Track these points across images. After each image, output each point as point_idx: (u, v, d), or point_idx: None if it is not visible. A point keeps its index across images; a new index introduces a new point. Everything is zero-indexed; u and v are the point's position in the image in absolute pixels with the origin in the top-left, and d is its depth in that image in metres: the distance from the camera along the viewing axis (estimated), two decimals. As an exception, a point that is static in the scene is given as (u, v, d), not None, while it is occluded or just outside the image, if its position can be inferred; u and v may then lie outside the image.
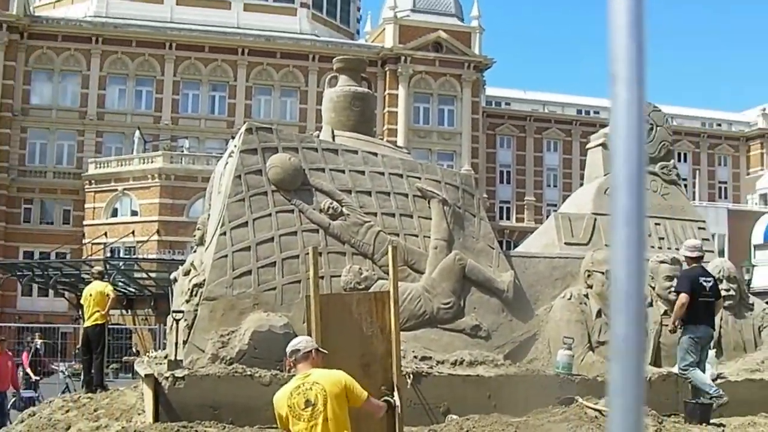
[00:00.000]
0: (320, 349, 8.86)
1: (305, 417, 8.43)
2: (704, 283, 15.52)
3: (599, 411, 14.66)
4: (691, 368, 15.22)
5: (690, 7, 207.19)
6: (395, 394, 10.22)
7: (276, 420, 9.01)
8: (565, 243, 18.68)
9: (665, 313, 17.17)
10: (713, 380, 16.26)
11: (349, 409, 8.58)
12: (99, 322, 20.23)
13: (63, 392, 23.85)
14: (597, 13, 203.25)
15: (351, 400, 8.57)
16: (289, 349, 8.83)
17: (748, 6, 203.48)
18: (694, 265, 15.79)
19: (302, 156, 16.74)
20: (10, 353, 25.52)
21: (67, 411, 16.81)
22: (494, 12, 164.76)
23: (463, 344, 16.44)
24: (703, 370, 15.50)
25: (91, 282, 21.65)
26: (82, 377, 23.30)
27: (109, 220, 71.15)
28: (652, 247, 18.96)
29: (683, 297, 15.15)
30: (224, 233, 15.95)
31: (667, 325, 16.97)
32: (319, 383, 8.47)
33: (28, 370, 30.34)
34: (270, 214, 16.19)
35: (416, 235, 16.98)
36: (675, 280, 17.05)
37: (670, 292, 17.01)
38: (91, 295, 20.37)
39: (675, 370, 15.82)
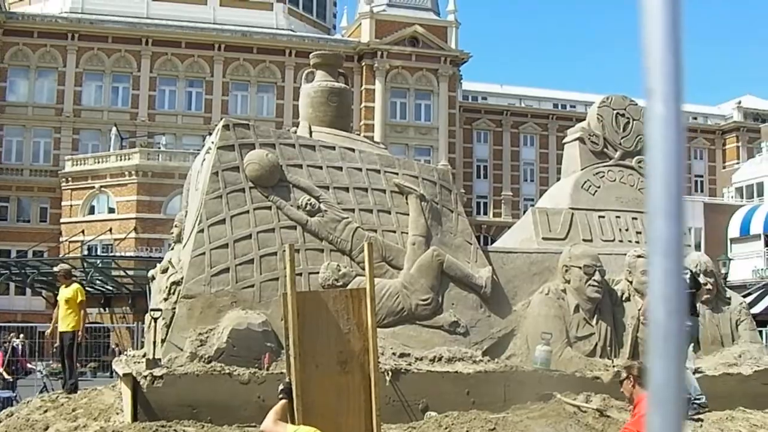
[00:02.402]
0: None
1: None
2: (684, 278, 15.69)
3: (578, 407, 14.71)
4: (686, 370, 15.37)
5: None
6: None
7: None
8: (543, 238, 18.69)
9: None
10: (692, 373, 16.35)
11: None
12: (73, 329, 19.97)
13: (41, 392, 23.72)
14: (574, 6, 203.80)
15: None
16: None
17: (722, 2, 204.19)
18: None
19: (279, 152, 16.69)
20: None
21: (45, 411, 16.75)
22: (470, 6, 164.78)
23: (441, 340, 16.44)
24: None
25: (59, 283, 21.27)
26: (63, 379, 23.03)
27: (86, 217, 70.81)
28: (630, 241, 19.02)
29: None
30: (202, 230, 15.89)
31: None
32: None
33: (1, 370, 30.10)
34: (247, 211, 16.15)
35: (394, 231, 16.97)
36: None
37: (647, 287, 17.05)
38: (66, 300, 20.10)
39: None
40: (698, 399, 15.37)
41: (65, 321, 19.95)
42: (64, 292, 20.25)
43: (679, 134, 2.46)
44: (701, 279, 17.95)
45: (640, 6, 2.54)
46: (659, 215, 2.45)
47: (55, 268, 22.92)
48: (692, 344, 17.29)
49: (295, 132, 18.59)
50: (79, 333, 19.99)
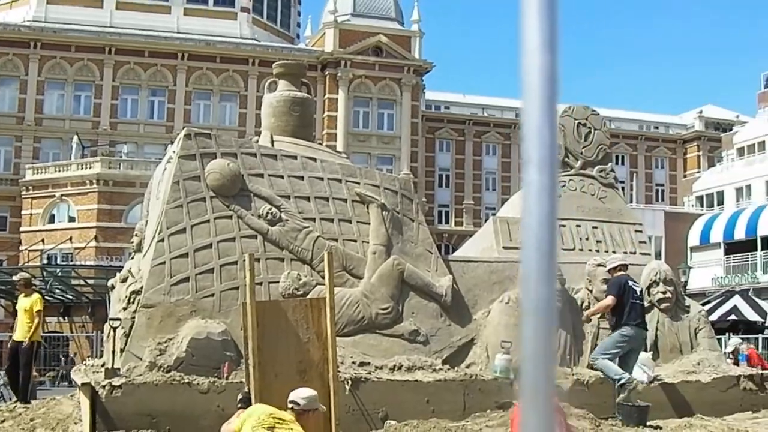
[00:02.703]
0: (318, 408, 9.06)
1: None
2: (633, 287, 16.07)
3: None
4: (604, 357, 15.87)
5: (628, 13, 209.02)
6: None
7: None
8: (504, 247, 18.72)
9: (602, 316, 17.33)
10: (650, 383, 16.47)
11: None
12: (31, 338, 19.64)
13: (-2, 401, 23.59)
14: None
15: None
16: (291, 399, 8.98)
17: (685, 14, 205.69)
18: (620, 273, 16.35)
19: (241, 161, 16.67)
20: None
21: (2, 421, 16.63)
22: (434, 16, 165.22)
23: (401, 349, 16.46)
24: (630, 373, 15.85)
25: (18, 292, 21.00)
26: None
27: (46, 226, 70.43)
28: (590, 250, 19.10)
29: (610, 299, 16.07)
30: (162, 240, 15.84)
31: (604, 328, 17.20)
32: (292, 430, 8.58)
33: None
34: (208, 221, 16.11)
35: (355, 240, 16.98)
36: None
37: (607, 295, 17.22)
38: (26, 309, 19.87)
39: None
40: (625, 380, 15.57)
41: (21, 330, 19.72)
42: (23, 302, 20.06)
43: (552, 201, 2.49)
44: (660, 287, 18.12)
45: (520, 83, 2.66)
46: (533, 276, 2.47)
47: (15, 277, 22.76)
48: (650, 352, 17.48)
49: (257, 141, 18.59)
50: (28, 341, 19.77)
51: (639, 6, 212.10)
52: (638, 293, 16.24)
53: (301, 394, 9.01)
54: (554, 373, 2.58)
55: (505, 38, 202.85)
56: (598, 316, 17.22)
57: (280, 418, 8.70)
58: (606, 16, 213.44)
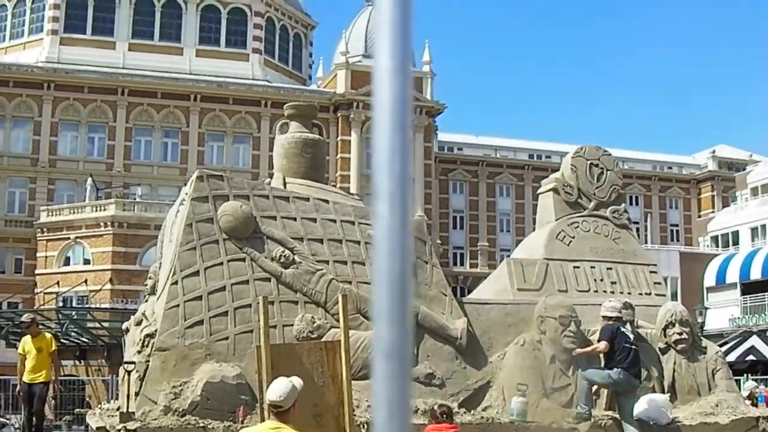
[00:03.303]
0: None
1: None
2: (626, 332, 16.21)
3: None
4: (586, 381, 16.53)
5: (640, 51, 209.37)
6: None
7: None
8: (518, 289, 18.63)
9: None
10: (667, 424, 16.36)
11: None
12: (46, 379, 19.44)
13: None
14: (549, 57, 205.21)
15: None
16: (269, 399, 8.70)
17: (694, 52, 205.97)
18: (613, 322, 16.54)
19: (253, 203, 16.66)
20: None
21: (18, 464, 16.60)
22: (446, 57, 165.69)
23: (417, 393, 16.33)
24: (630, 418, 16.32)
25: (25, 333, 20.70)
26: None
27: (61, 268, 70.54)
28: (605, 291, 19.00)
29: (602, 344, 16.35)
30: (176, 282, 15.81)
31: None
32: None
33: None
34: (221, 263, 16.08)
35: (369, 283, 16.91)
36: (628, 324, 17.25)
37: (599, 340, 17.23)
38: (40, 350, 19.66)
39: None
40: (580, 408, 16.10)
41: (37, 371, 19.51)
42: (36, 342, 19.83)
43: (405, 235, 2.36)
44: (676, 329, 18.02)
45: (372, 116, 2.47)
46: (383, 318, 2.35)
47: (23, 318, 22.63)
48: (668, 394, 17.38)
49: (269, 183, 18.57)
50: (52, 384, 19.73)
51: (650, 50, 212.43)
52: (630, 339, 16.35)
53: (278, 391, 8.68)
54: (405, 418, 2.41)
55: (517, 79, 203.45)
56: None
57: None
58: (618, 55, 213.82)
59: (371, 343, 15.41)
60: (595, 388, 16.77)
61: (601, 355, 16.55)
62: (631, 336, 16.48)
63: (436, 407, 12.66)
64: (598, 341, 16.52)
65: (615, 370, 16.09)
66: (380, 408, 2.33)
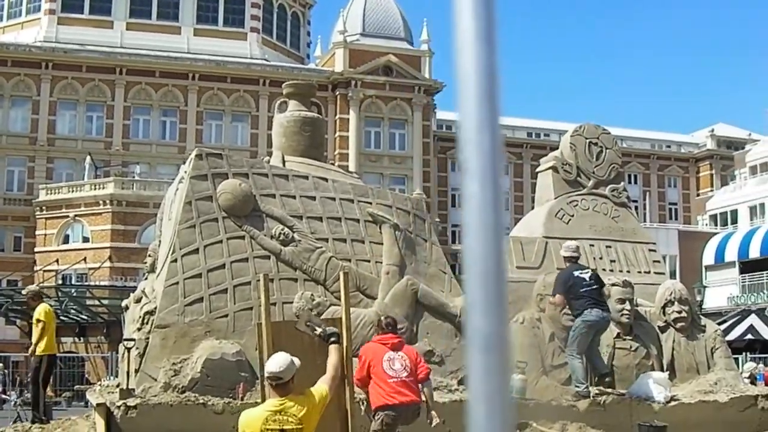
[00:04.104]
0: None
1: None
2: (581, 275, 16.03)
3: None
4: (576, 357, 16.03)
5: (637, 30, 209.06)
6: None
7: None
8: (517, 267, 18.63)
9: (618, 336, 17.28)
10: (666, 402, 16.38)
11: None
12: (42, 352, 19.42)
13: (14, 422, 23.54)
14: (547, 34, 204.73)
15: (322, 406, 8.88)
16: (268, 371, 8.74)
17: (694, 30, 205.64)
18: (568, 264, 16.56)
19: (252, 182, 16.66)
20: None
21: (18, 441, 16.65)
22: (444, 35, 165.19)
23: (416, 370, 16.38)
24: (598, 356, 16.41)
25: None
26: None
27: (60, 246, 70.52)
28: (604, 269, 19.00)
29: (557, 298, 16.34)
30: (175, 260, 15.82)
31: (620, 348, 17.19)
32: (296, 415, 8.46)
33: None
34: (221, 241, 16.09)
35: (368, 261, 16.94)
36: (627, 302, 17.26)
37: (622, 315, 17.16)
38: (38, 321, 19.63)
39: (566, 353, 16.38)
40: (579, 388, 15.90)
41: (35, 344, 19.42)
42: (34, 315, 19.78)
43: (497, 216, 2.24)
44: (675, 307, 18.03)
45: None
46: (477, 308, 2.21)
47: (23, 291, 22.54)
48: (667, 371, 17.41)
49: (269, 162, 18.57)
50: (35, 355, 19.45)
51: (649, 27, 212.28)
52: (588, 280, 16.17)
53: (278, 362, 8.75)
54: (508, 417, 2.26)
55: (514, 56, 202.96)
56: (614, 336, 17.23)
57: (277, 413, 8.58)
58: (618, 37, 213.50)
59: (370, 320, 15.46)
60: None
61: (568, 309, 16.44)
62: (588, 276, 16.31)
63: (382, 318, 12.95)
64: (552, 294, 16.54)
65: (585, 313, 15.90)
66: (479, 404, 2.21)
